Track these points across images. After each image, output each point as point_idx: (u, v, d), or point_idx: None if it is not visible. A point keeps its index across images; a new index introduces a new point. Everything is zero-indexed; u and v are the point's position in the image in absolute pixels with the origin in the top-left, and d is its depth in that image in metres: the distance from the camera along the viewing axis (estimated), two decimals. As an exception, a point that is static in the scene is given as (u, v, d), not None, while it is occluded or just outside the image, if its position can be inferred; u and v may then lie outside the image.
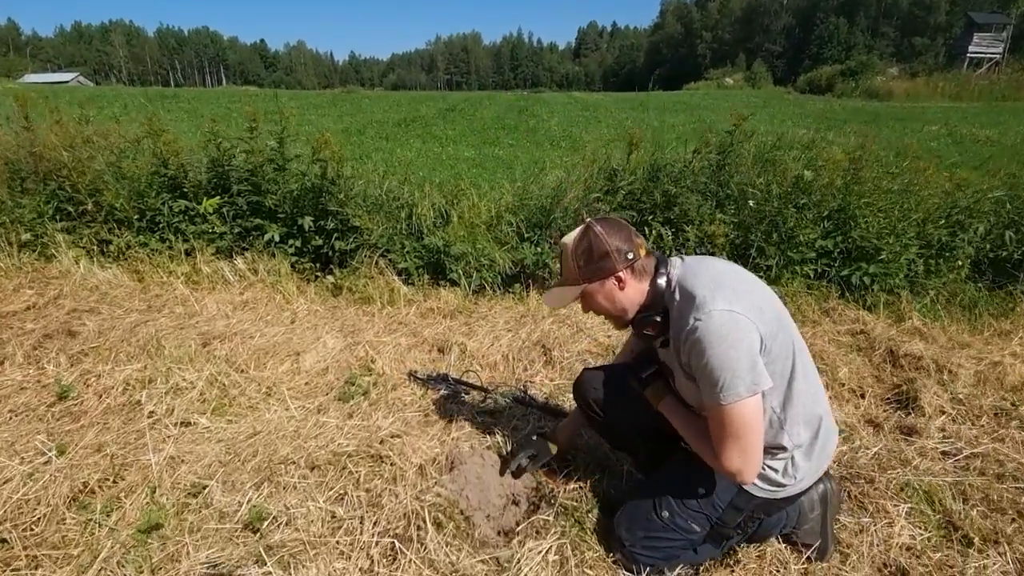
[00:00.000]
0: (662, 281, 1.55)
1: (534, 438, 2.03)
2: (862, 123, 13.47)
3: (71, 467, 1.96)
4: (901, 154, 4.59)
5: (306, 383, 2.67)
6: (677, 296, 1.51)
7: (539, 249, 4.11)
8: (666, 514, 1.61)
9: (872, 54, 50.35)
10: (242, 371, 2.68)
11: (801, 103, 19.60)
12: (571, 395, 2.55)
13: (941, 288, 4.24)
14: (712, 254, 4.14)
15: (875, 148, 4.48)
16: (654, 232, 4.09)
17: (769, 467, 1.53)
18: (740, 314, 1.40)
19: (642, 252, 1.57)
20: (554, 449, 1.99)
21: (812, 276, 4.24)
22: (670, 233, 4.22)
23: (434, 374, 2.76)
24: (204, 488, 1.89)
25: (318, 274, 4.04)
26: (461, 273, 4.02)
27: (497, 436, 2.23)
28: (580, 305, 1.66)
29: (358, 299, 3.68)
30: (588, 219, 1.60)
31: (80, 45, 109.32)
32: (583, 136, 9.94)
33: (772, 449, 1.51)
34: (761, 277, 4.09)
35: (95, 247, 4.06)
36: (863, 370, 2.89)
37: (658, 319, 1.54)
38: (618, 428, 1.83)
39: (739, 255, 4.25)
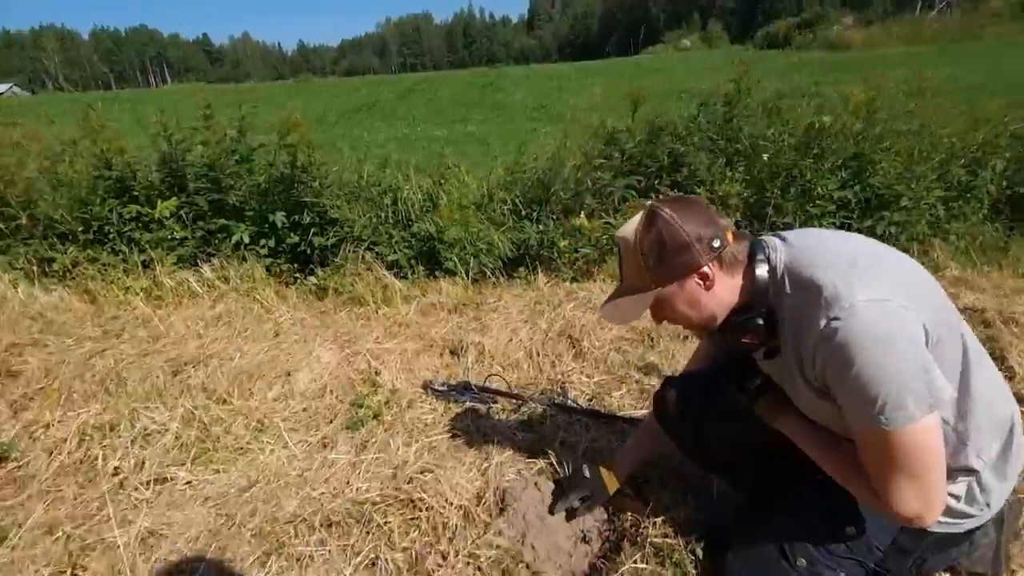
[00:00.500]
0: (762, 271, 1.15)
1: (585, 472, 1.61)
2: (831, 72, 13.24)
3: (13, 562, 1.49)
4: (915, 93, 4.26)
5: (303, 409, 2.22)
6: (788, 288, 1.11)
7: (542, 227, 3.68)
8: (803, 562, 1.22)
9: (825, 5, 50.43)
10: (224, 402, 2.22)
11: (771, 58, 19.32)
12: (617, 394, 2.16)
13: (964, 232, 3.97)
14: (737, 224, 3.78)
15: (890, 87, 4.14)
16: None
17: (949, 494, 1.15)
18: (892, 302, 1.00)
19: (729, 236, 1.17)
20: (612, 485, 1.59)
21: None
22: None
23: (453, 383, 2.33)
24: (193, 573, 1.45)
25: (298, 276, 3.55)
26: (457, 261, 3.58)
27: (548, 457, 1.83)
28: (650, 314, 1.26)
29: (348, 300, 3.21)
30: (650, 202, 1.19)
31: (10, 54, 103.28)
32: (555, 107, 9.47)
33: (952, 471, 1.13)
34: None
35: (34, 267, 3.49)
36: None
37: (760, 323, 1.14)
38: (714, 450, 1.44)
39: (755, 215, 3.90)
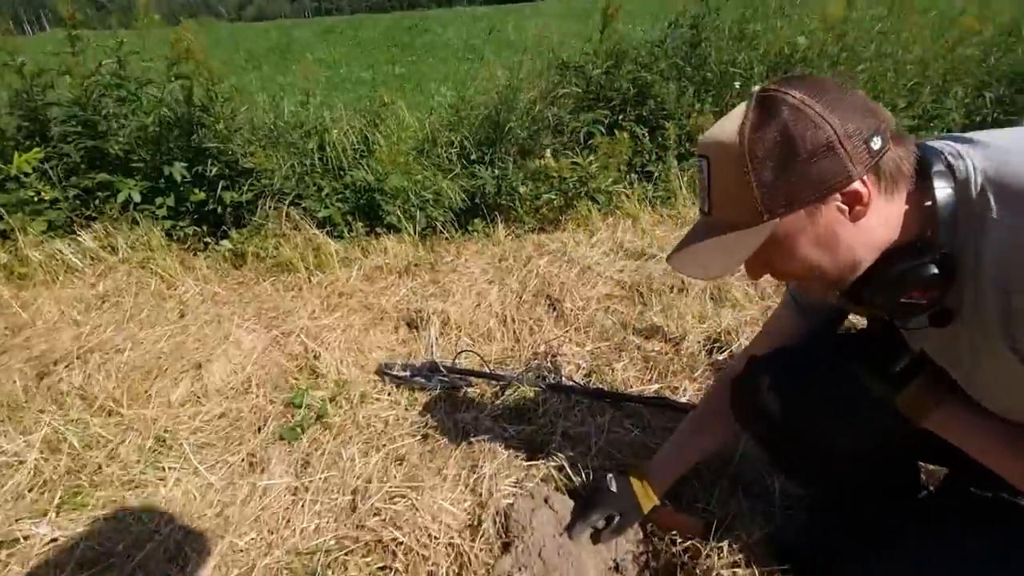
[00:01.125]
0: (944, 190, 0.72)
1: (611, 485, 1.18)
2: None
3: None
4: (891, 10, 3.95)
5: (221, 415, 1.68)
6: (995, 210, 0.69)
7: (498, 171, 3.16)
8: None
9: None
10: (109, 413, 1.64)
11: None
12: (619, 366, 1.74)
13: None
14: (690, 154, 3.39)
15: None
16: (625, 135, 3.24)
17: None
18: None
19: (888, 133, 0.72)
20: (648, 501, 1.17)
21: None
22: (646, 133, 3.41)
23: (416, 364, 1.84)
24: None
25: (207, 240, 2.89)
26: (402, 215, 3.03)
27: (553, 458, 1.40)
28: (748, 268, 0.81)
29: (272, 268, 2.62)
30: (759, 86, 0.74)
31: None
32: (491, 45, 8.73)
33: None
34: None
35: None
36: None
37: (934, 271, 0.72)
38: (819, 459, 1.02)
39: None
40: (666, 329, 1.92)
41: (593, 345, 1.93)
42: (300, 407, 1.66)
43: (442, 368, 1.80)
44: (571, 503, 1.25)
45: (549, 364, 1.82)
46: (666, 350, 1.86)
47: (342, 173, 3.13)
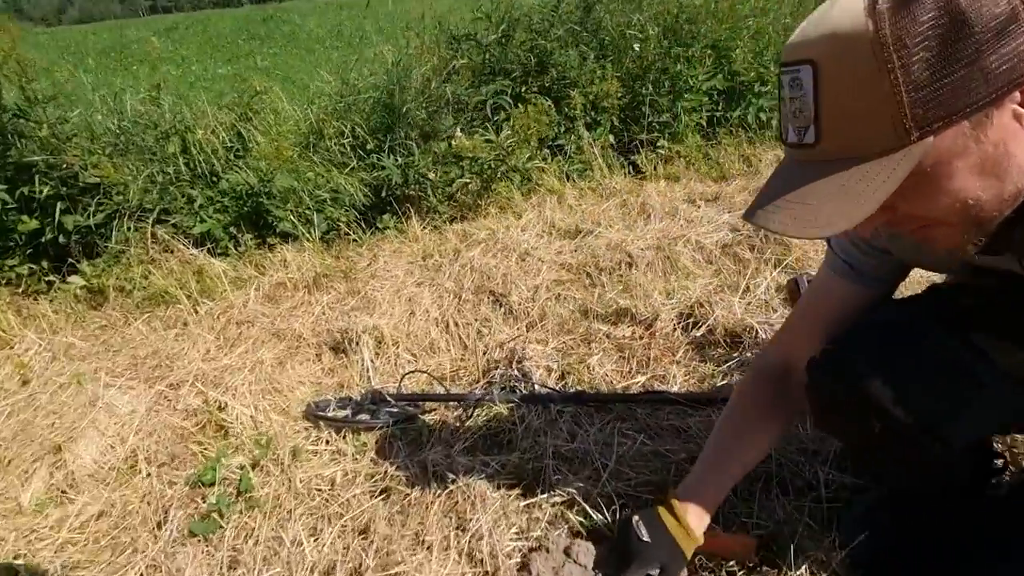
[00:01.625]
0: None
1: (641, 532, 0.90)
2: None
3: None
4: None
5: (98, 515, 1.22)
6: None
7: (401, 159, 2.79)
8: None
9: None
10: (-74, 544, 1.14)
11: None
12: (594, 360, 1.50)
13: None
14: (597, 123, 3.23)
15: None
16: (533, 105, 2.99)
17: None
18: None
19: None
20: (690, 544, 0.91)
21: (706, 125, 3.55)
22: (551, 104, 3.18)
23: (355, 398, 1.48)
24: None
25: (50, 279, 2.28)
26: (296, 220, 2.59)
27: (555, 491, 1.12)
28: (875, 219, 0.56)
29: (144, 303, 2.09)
30: None
31: None
32: (359, 32, 8.09)
33: None
34: (659, 138, 3.34)
35: None
36: None
37: None
38: (928, 450, 0.80)
39: (630, 117, 3.40)
40: (634, 310, 1.70)
41: (557, 341, 1.66)
42: (212, 484, 1.25)
43: (388, 398, 1.46)
44: (595, 550, 0.98)
45: (515, 371, 1.53)
46: (639, 334, 1.64)
47: (215, 179, 2.62)
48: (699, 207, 2.47)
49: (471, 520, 1.08)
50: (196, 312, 1.98)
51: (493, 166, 2.67)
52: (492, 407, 1.41)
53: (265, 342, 1.76)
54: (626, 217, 2.44)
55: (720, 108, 3.56)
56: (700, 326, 1.62)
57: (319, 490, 1.23)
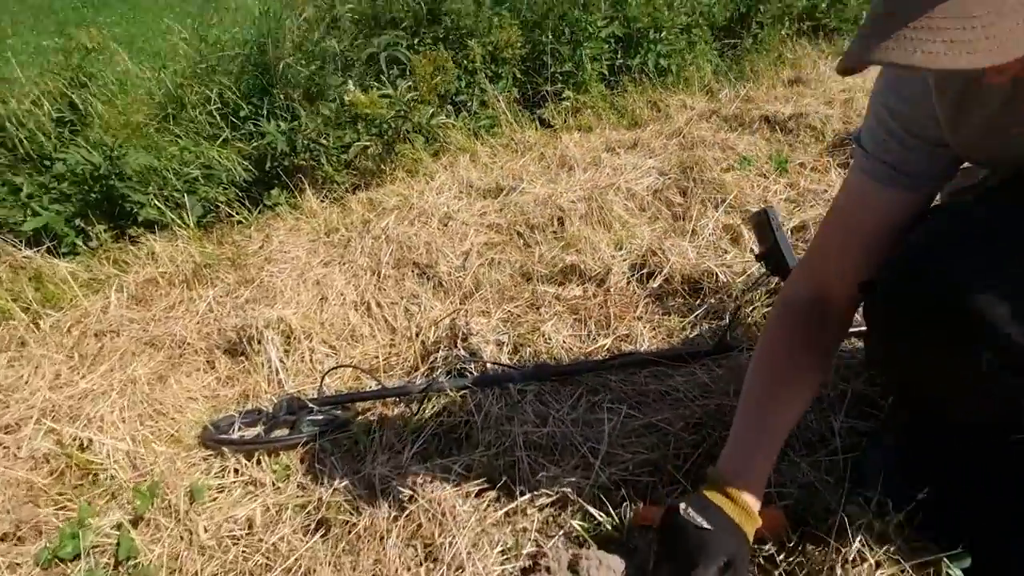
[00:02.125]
0: None
1: (697, 520, 0.70)
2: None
3: None
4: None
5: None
6: None
7: (286, 124, 2.39)
8: None
9: None
10: None
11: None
12: (548, 328, 1.30)
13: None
14: (499, 76, 2.99)
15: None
16: (430, 62, 2.68)
17: None
18: None
19: None
20: (751, 525, 0.72)
21: (608, 74, 3.42)
22: (448, 57, 2.88)
23: (268, 409, 1.17)
24: None
25: None
26: (162, 204, 2.15)
27: (540, 492, 0.91)
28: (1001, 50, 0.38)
29: (-38, 323, 1.60)
30: None
31: None
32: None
33: None
34: (565, 89, 3.16)
35: None
36: (811, 149, 2.18)
37: None
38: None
39: (532, 68, 3.18)
40: (582, 267, 1.50)
41: (501, 311, 1.43)
42: (76, 558, 0.90)
43: (309, 404, 1.16)
44: (617, 561, 0.78)
45: (460, 351, 1.29)
46: (591, 292, 1.45)
47: (47, 162, 2.10)
48: (620, 155, 2.31)
49: (442, 546, 0.84)
50: (37, 328, 1.54)
51: (394, 125, 2.35)
52: (440, 397, 1.17)
53: (137, 354, 1.38)
54: (547, 171, 2.23)
55: (620, 56, 3.43)
56: (655, 276, 1.45)
57: (233, 538, 0.93)
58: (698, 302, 1.37)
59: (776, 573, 0.76)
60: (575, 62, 3.18)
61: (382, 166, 2.37)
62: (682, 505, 0.71)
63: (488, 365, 1.23)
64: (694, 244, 1.56)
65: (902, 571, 0.71)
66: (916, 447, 0.85)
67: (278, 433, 1.11)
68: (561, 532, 0.86)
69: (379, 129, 2.35)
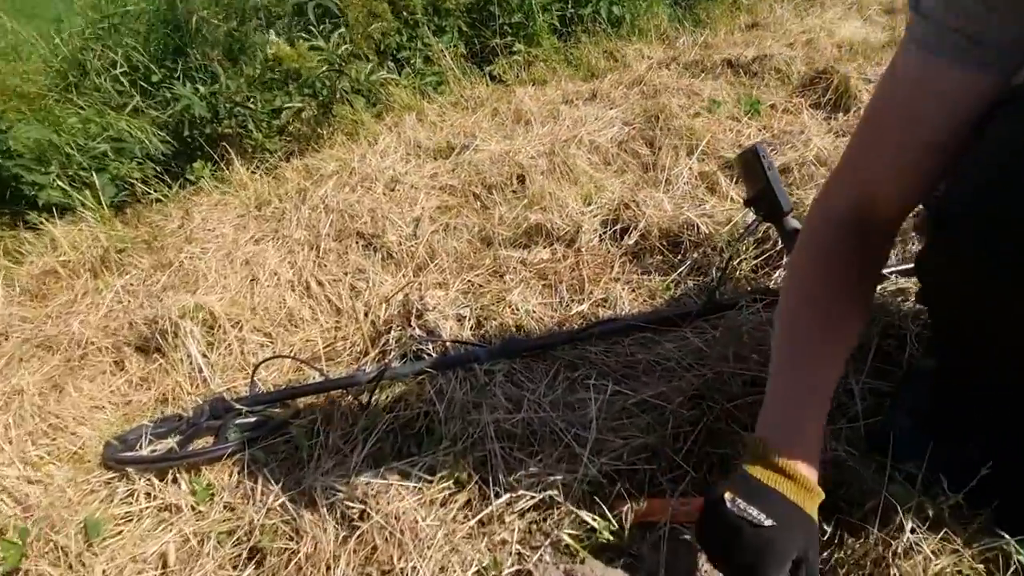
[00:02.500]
0: None
1: (755, 516, 0.53)
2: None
3: None
4: None
5: None
6: None
7: (206, 88, 2.11)
8: None
9: None
10: None
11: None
12: (515, 296, 1.14)
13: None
14: (443, 30, 2.75)
15: None
16: (363, 4, 2.42)
17: None
18: None
19: None
20: (813, 503, 0.56)
21: (560, 25, 3.21)
22: (390, 11, 2.62)
23: (187, 415, 0.97)
24: None
25: None
26: (66, 185, 1.87)
27: (520, 493, 0.75)
28: None
29: None
30: None
31: None
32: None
33: None
34: (515, 42, 2.94)
35: None
36: (779, 91, 2.03)
37: None
38: None
39: (479, 21, 2.94)
40: (548, 226, 1.33)
41: (460, 282, 1.26)
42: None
43: (237, 404, 0.97)
44: (611, 573, 0.63)
45: (415, 330, 1.10)
46: (561, 254, 1.28)
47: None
48: (579, 107, 2.13)
49: (403, 571, 0.68)
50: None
51: (328, 83, 2.10)
52: (394, 385, 0.99)
53: (26, 360, 1.15)
54: (502, 127, 2.03)
55: (571, 5, 3.21)
56: (630, 232, 1.29)
57: (142, 581, 0.74)
58: (679, 258, 1.22)
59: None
60: (524, 12, 2.96)
61: (319, 130, 2.13)
62: (727, 496, 0.54)
63: (448, 344, 1.05)
64: (669, 195, 1.40)
65: (961, 560, 0.58)
66: (952, 406, 0.72)
67: (199, 444, 0.91)
68: (548, 542, 0.70)
69: (312, 89, 2.09)
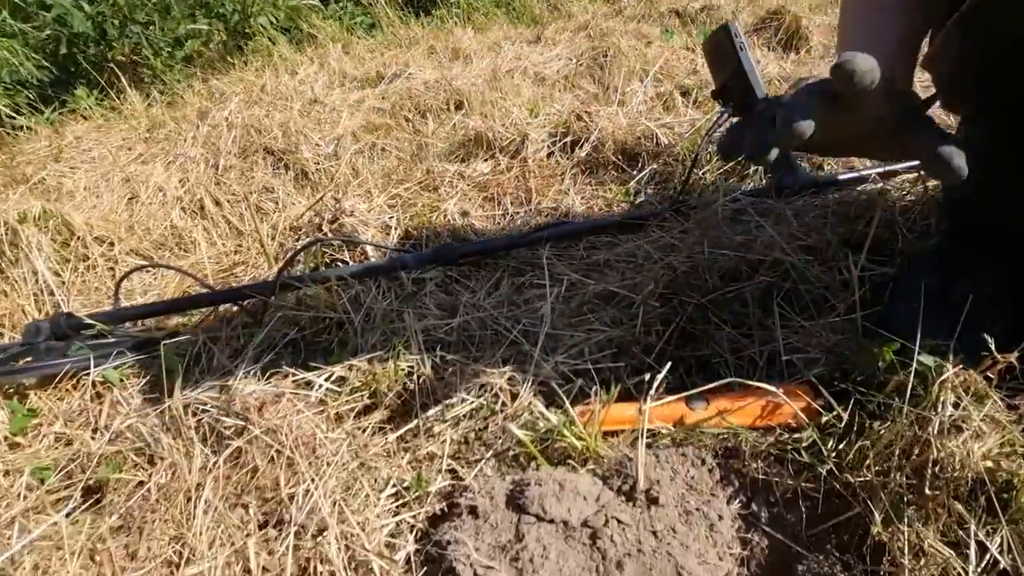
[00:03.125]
0: None
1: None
2: None
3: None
4: None
5: None
6: None
7: (90, 9, 1.80)
8: None
9: None
10: None
11: None
12: (447, 207, 0.96)
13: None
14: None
15: None
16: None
17: None
18: None
19: None
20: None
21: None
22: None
23: (22, 336, 0.74)
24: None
25: None
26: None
27: (446, 403, 0.58)
28: None
29: None
30: None
31: None
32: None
33: None
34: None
35: None
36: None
37: None
38: None
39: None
40: (490, 136, 1.16)
41: (390, 193, 1.06)
42: None
43: (89, 320, 0.74)
44: (586, 481, 0.47)
45: (331, 240, 0.90)
46: (505, 165, 1.11)
47: None
48: (522, 47, 1.97)
49: (292, 498, 0.49)
50: None
51: (242, 6, 1.84)
52: (301, 302, 0.79)
53: None
54: (440, 64, 1.84)
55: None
56: (582, 144, 1.14)
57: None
58: (636, 171, 1.08)
59: (826, 468, 0.49)
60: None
61: (228, 59, 1.86)
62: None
63: (370, 250, 0.86)
64: (624, 111, 1.26)
65: (1012, 435, 0.45)
66: (966, 277, 0.60)
67: (25, 363, 0.68)
68: (490, 453, 0.53)
69: (221, 12, 1.83)
